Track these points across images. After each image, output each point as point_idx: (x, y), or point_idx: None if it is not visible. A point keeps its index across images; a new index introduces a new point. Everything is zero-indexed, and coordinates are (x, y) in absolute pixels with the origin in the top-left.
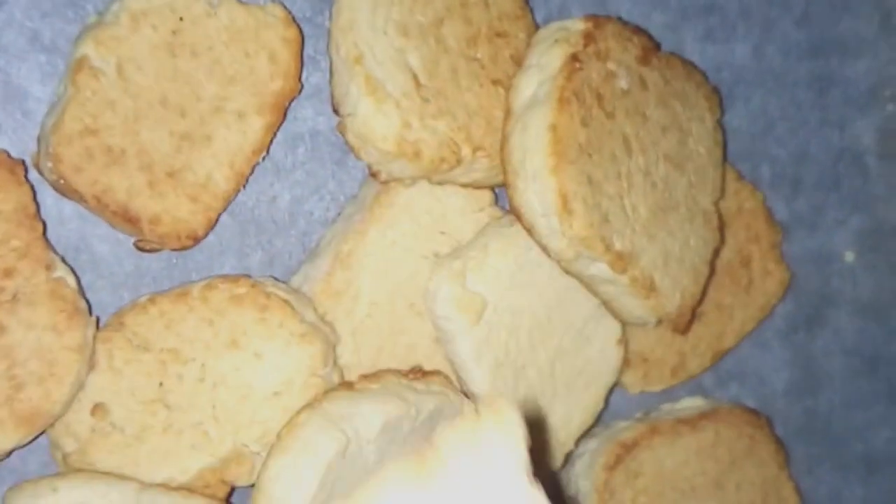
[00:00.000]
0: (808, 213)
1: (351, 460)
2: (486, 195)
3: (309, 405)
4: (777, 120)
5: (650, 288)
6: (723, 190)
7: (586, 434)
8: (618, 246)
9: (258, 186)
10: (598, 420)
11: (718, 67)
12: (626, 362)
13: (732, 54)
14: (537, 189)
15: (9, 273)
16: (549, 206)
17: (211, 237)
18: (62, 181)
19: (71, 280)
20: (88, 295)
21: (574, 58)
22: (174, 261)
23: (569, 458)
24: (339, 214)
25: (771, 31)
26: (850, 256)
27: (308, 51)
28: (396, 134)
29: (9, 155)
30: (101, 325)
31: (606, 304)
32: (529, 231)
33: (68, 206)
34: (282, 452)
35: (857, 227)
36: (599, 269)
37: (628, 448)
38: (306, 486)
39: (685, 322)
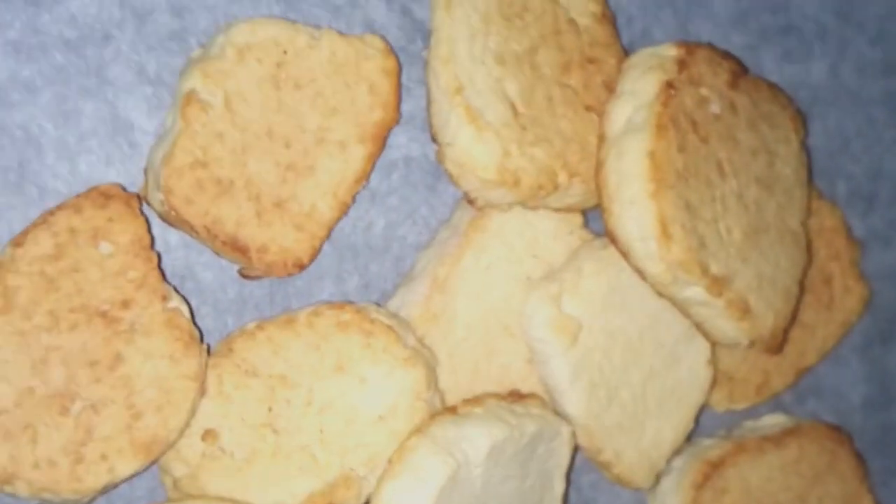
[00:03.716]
0: (882, 228)
1: (460, 484)
2: (576, 218)
3: (417, 430)
4: (852, 137)
5: (745, 310)
6: (809, 210)
7: None
8: (714, 269)
9: (354, 213)
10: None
11: (796, 87)
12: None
13: (809, 74)
14: (635, 214)
15: (126, 304)
16: (648, 230)
17: None
18: (173, 212)
19: (185, 310)
20: (194, 321)
21: (669, 84)
22: (275, 287)
23: (658, 476)
24: (431, 239)
25: (846, 50)
26: None
27: (402, 79)
28: (497, 162)
29: (123, 188)
30: (210, 351)
31: (699, 325)
32: (625, 255)
33: (174, 235)
34: (394, 478)
35: None
36: (695, 292)
37: (715, 466)
38: None
39: (778, 343)
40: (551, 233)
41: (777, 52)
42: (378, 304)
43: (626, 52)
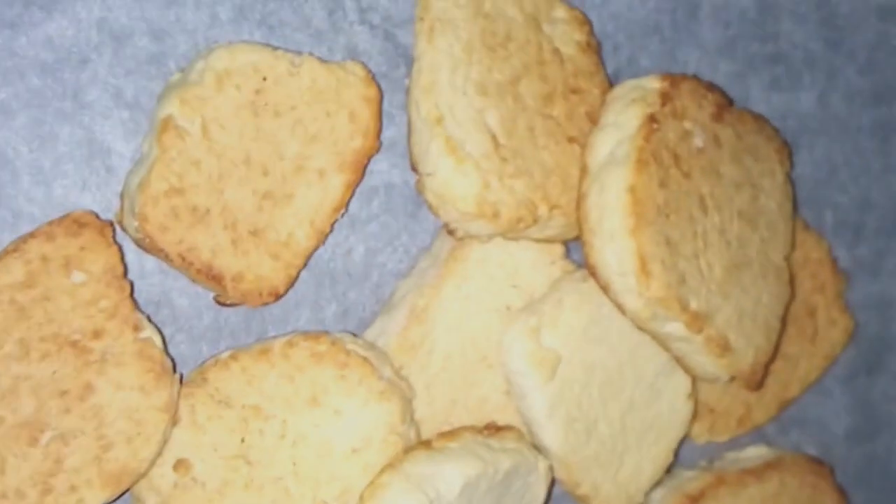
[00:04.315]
0: (869, 259)
1: None
2: (557, 248)
3: (390, 466)
4: (840, 167)
5: (724, 347)
6: (793, 244)
7: None
8: (694, 306)
9: (333, 239)
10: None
11: (784, 116)
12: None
13: (798, 103)
14: (615, 249)
15: (98, 334)
16: (627, 266)
17: None
18: (148, 239)
19: (157, 340)
20: (169, 348)
21: (652, 118)
22: (251, 314)
23: None
24: (411, 267)
25: (835, 79)
26: None
27: (384, 105)
28: (477, 195)
29: (97, 216)
30: (183, 380)
31: (679, 360)
32: (605, 289)
33: (149, 262)
34: None
35: None
36: (674, 327)
37: (694, 499)
38: None
39: (758, 379)
40: (532, 263)
41: (765, 80)
42: (355, 333)
43: (612, 81)
